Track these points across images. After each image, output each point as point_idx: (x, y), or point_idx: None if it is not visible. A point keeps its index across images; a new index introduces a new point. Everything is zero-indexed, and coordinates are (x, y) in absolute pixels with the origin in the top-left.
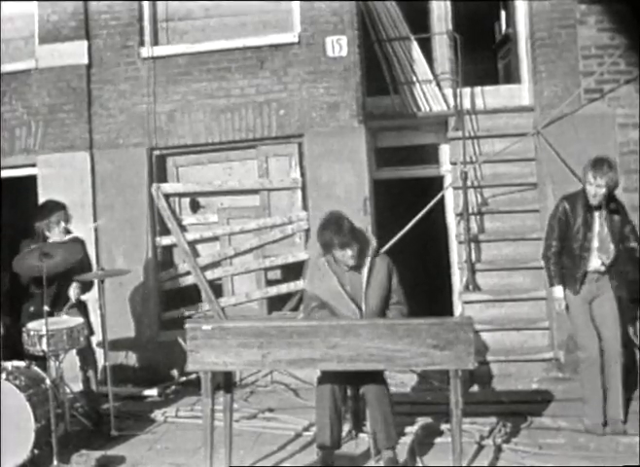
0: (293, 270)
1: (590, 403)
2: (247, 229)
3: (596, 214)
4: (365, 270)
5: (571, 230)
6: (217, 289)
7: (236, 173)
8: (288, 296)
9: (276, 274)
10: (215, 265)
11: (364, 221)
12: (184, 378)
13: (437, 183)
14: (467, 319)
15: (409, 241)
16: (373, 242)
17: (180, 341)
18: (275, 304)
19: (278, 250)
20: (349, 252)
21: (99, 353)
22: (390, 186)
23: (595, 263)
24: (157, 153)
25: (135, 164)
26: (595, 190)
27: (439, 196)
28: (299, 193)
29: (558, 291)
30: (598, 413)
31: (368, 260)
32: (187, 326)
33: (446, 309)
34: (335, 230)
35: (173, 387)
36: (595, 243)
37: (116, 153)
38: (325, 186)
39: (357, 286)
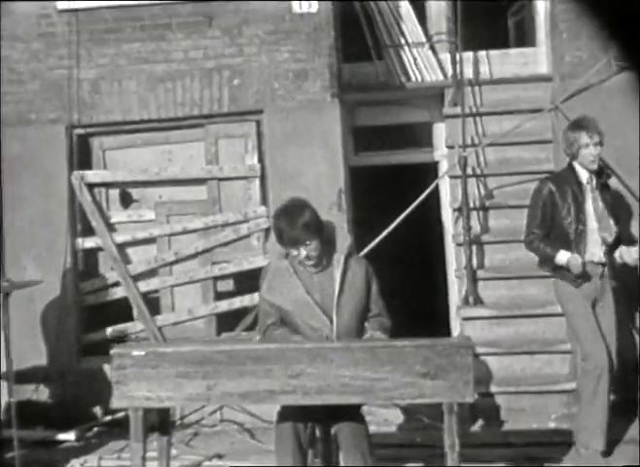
0: (249, 280)
1: (590, 426)
2: (191, 228)
3: (588, 190)
4: (337, 274)
5: (558, 215)
6: (153, 304)
7: (178, 159)
8: (243, 312)
9: (228, 285)
10: (151, 273)
11: (339, 218)
12: (109, 418)
13: (430, 171)
14: (465, 340)
15: (395, 243)
16: (348, 240)
17: (105, 370)
18: (226, 322)
19: (231, 255)
20: (303, 252)
21: (2, 387)
22: (371, 175)
23: (595, 250)
24: (78, 131)
25: (51, 146)
26: (593, 150)
27: (431, 187)
28: (256, 183)
29: (563, 254)
30: (600, 440)
31: (341, 260)
32: (113, 351)
33: (441, 328)
34: (286, 221)
35: (95, 429)
36: (593, 224)
37: (27, 131)
38: (289, 175)
39: (328, 293)
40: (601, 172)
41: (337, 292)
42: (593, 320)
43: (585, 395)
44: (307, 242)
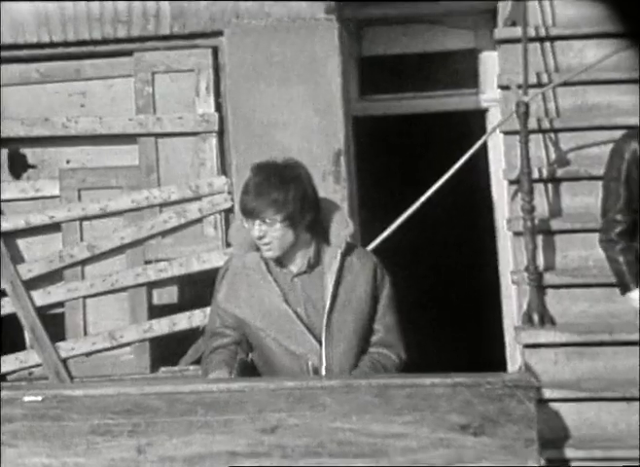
0: (202, 288)
1: None
2: (115, 209)
3: None
4: (330, 277)
5: None
6: (56, 324)
7: (95, 103)
8: (191, 336)
9: (170, 296)
10: (53, 277)
11: (335, 194)
12: None
13: (473, 124)
14: (526, 378)
15: (421, 233)
16: (349, 227)
17: None
18: (167, 351)
19: (174, 249)
20: (256, 231)
21: None
22: (386, 130)
23: None
24: None
25: None
26: None
27: (476, 147)
28: (213, 142)
29: (635, 295)
30: None
31: (337, 257)
32: None
33: (491, 359)
34: (256, 185)
35: None
36: None
37: None
38: (262, 130)
39: (316, 304)
40: None
41: (328, 303)
42: None
43: None
44: (267, 220)
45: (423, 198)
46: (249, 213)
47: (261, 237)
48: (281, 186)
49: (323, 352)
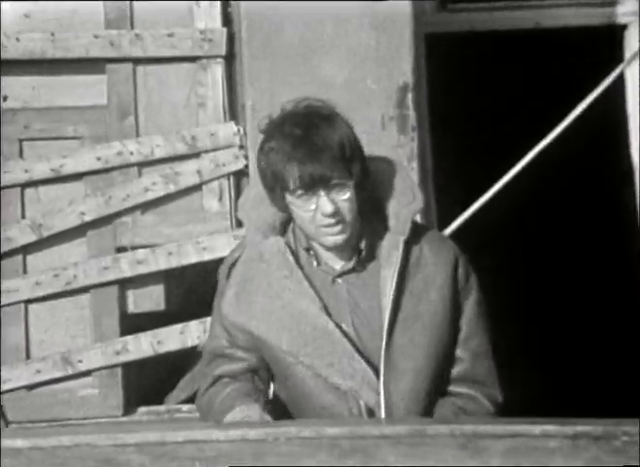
0: (200, 288)
1: None
2: (72, 171)
3: None
4: (390, 275)
5: None
6: None
7: (45, 13)
8: (184, 360)
9: (153, 300)
10: None
11: (401, 148)
12: None
13: (604, 47)
14: None
15: (523, 209)
16: (417, 201)
17: None
18: (148, 383)
19: (159, 231)
20: (328, 205)
21: None
22: (474, 54)
23: None
24: None
25: None
26: None
27: (608, 81)
28: (218, 71)
29: None
30: None
31: (400, 247)
32: None
33: (630, 398)
34: (299, 141)
35: None
36: None
37: None
38: (293, 52)
39: (369, 316)
40: None
41: (388, 315)
42: None
43: None
44: (336, 181)
45: (529, 157)
46: (310, 183)
47: (334, 213)
48: (338, 131)
49: (381, 387)
